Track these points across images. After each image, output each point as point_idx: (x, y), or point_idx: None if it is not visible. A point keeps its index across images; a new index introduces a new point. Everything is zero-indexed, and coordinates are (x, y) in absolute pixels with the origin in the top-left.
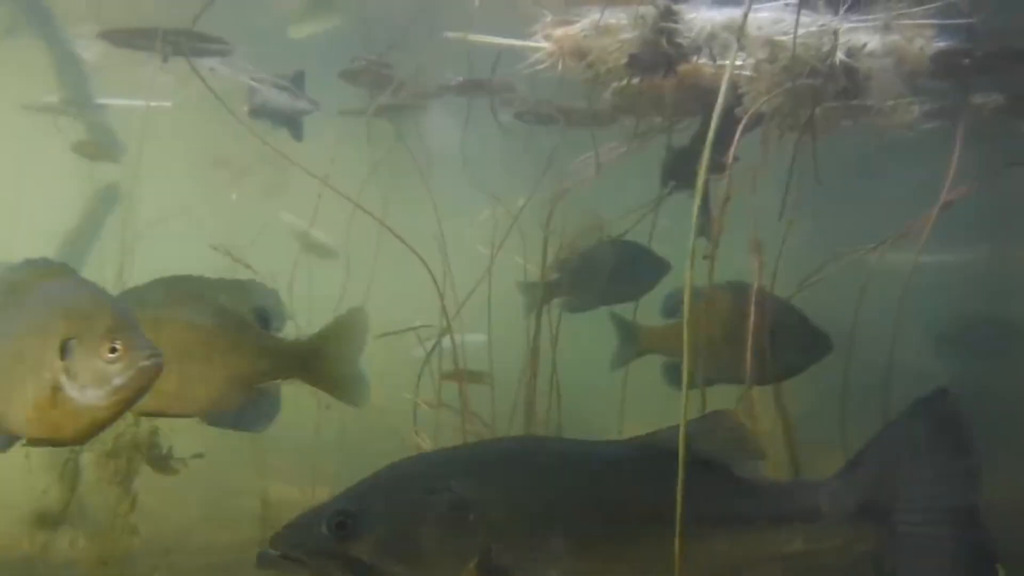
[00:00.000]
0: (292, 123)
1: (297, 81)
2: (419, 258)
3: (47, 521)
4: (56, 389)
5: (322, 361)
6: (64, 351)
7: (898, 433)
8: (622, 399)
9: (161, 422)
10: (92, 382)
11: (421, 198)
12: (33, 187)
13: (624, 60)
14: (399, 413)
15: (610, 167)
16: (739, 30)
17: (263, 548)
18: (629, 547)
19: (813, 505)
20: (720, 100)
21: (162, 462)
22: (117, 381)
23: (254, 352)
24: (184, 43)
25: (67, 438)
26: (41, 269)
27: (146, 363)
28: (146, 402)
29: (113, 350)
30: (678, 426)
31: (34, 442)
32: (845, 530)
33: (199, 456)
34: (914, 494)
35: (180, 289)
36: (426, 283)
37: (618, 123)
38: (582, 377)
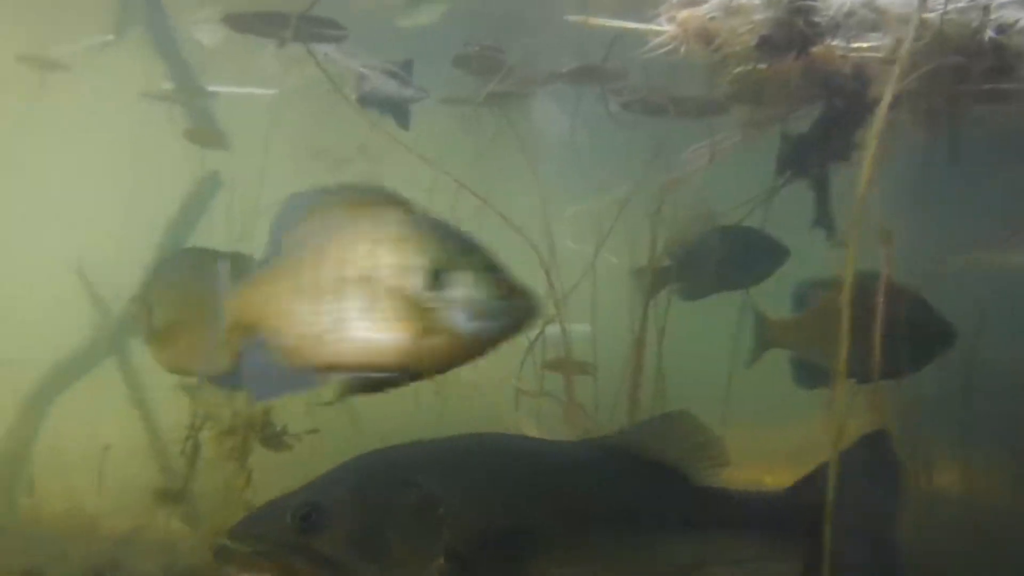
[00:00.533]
0: (399, 111)
1: (405, 69)
2: (531, 245)
3: (168, 496)
4: (424, 319)
5: None
6: (434, 281)
7: (842, 461)
8: (727, 389)
9: (275, 402)
10: (472, 315)
11: (521, 188)
12: (146, 174)
13: (754, 42)
14: (500, 399)
15: (723, 158)
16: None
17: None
18: (593, 547)
19: (762, 516)
20: (892, 84)
21: (275, 440)
22: (503, 319)
23: None
24: (303, 28)
25: (424, 368)
26: (365, 195)
27: (532, 305)
28: (169, 361)
29: (499, 286)
30: (638, 426)
31: (387, 376)
32: (786, 543)
33: (314, 432)
34: (846, 518)
35: (196, 260)
36: (525, 273)
37: (730, 112)
38: (689, 367)
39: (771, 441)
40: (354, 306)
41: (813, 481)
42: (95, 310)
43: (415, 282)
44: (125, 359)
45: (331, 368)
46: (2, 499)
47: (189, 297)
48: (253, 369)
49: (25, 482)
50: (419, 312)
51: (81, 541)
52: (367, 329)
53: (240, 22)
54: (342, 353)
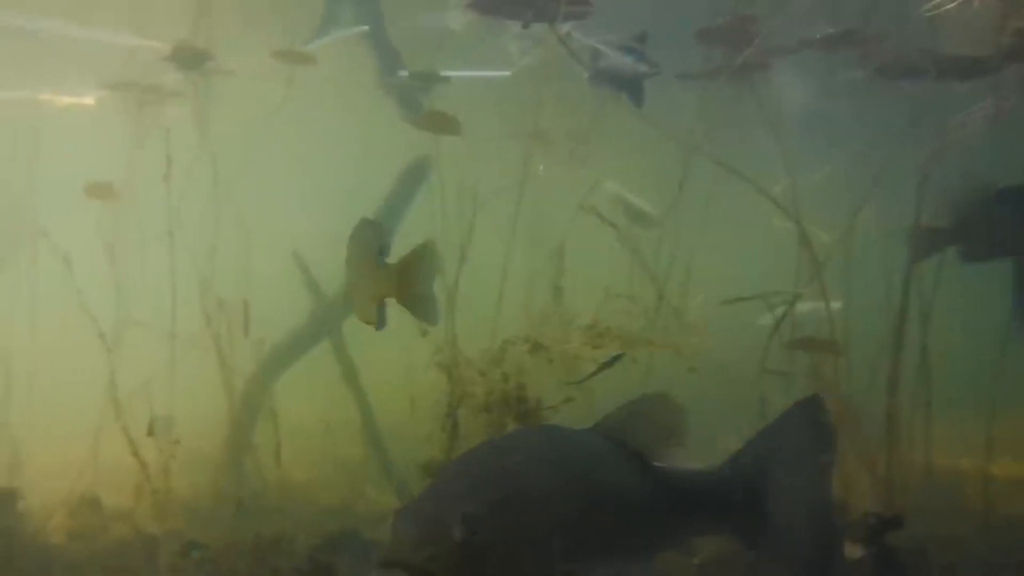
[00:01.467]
0: (632, 87)
1: (639, 41)
2: (793, 219)
3: (431, 470)
4: None
5: (407, 284)
6: None
7: (775, 430)
8: (998, 373)
9: (528, 379)
10: None
11: (757, 163)
12: (375, 161)
13: None
14: (746, 377)
15: (1003, 119)
16: None
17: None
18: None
19: (709, 491)
20: None
21: (530, 415)
22: None
23: (384, 275)
24: (551, 7)
25: None
26: None
27: None
28: (356, 312)
29: None
30: (619, 411)
31: None
32: (730, 515)
33: (570, 400)
34: (781, 484)
35: (364, 230)
36: (763, 249)
37: (1003, 72)
38: (958, 346)
39: None
40: None
41: (739, 460)
42: (312, 294)
43: None
44: (339, 340)
45: None
46: (234, 469)
47: (358, 260)
48: None
49: (262, 453)
50: None
51: (300, 511)
52: None
53: (487, 5)
54: None
